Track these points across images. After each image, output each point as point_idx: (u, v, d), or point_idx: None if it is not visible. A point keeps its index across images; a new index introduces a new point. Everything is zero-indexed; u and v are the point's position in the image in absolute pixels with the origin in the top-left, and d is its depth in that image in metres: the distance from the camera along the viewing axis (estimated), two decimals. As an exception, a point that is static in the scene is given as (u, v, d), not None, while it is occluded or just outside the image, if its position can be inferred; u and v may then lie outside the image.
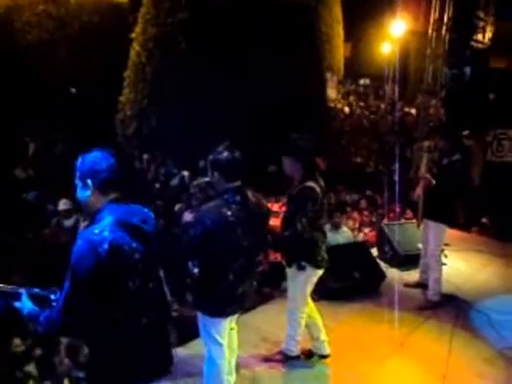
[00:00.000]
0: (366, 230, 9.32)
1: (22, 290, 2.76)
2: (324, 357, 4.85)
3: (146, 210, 2.86)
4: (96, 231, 2.52)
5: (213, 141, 3.76)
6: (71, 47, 12.71)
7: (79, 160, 2.75)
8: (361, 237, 8.87)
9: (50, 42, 12.89)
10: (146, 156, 11.17)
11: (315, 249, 4.43)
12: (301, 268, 4.43)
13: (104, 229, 2.53)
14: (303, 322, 4.69)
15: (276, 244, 4.51)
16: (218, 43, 10.10)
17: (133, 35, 11.64)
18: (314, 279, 4.55)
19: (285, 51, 10.91)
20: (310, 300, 4.81)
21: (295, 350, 4.85)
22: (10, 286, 2.79)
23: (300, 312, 4.64)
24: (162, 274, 2.85)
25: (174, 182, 10.58)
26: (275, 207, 4.45)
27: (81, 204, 2.78)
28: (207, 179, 3.87)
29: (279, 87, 10.62)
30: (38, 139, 11.69)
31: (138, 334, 2.66)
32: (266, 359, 4.90)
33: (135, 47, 11.52)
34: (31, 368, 4.75)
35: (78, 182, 2.73)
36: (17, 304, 2.72)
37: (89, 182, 2.68)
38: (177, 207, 8.40)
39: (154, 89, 11.09)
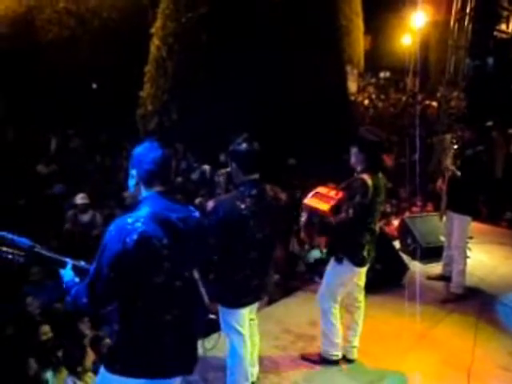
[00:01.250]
0: (388, 223, 9.26)
1: (69, 260, 2.77)
2: (349, 360, 4.77)
3: (191, 208, 2.81)
4: (129, 220, 2.50)
5: (234, 134, 3.76)
6: (92, 44, 12.80)
7: (134, 149, 2.77)
8: (383, 229, 8.82)
9: (70, 39, 13.00)
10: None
11: (357, 246, 4.32)
12: (338, 260, 4.37)
13: (138, 219, 2.51)
14: (335, 321, 4.57)
15: (322, 230, 4.45)
16: (239, 37, 10.10)
17: (152, 30, 11.67)
18: (352, 277, 4.45)
19: (305, 45, 10.88)
20: (361, 305, 4.74)
21: (335, 354, 4.70)
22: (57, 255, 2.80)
23: (327, 304, 4.55)
24: (196, 275, 2.80)
25: (195, 175, 10.62)
26: (332, 193, 4.37)
27: (129, 193, 2.82)
28: (207, 167, 3.91)
29: (300, 81, 10.61)
30: (59, 135, 11.82)
31: (159, 328, 2.63)
32: (304, 358, 4.83)
33: (155, 42, 11.55)
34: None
35: (130, 171, 2.75)
36: (61, 271, 2.74)
37: (134, 172, 2.70)
38: (197, 201, 8.43)
39: (175, 83, 11.12)
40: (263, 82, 10.23)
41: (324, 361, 4.71)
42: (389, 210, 9.89)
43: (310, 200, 4.48)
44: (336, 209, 4.24)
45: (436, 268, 6.95)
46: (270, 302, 5.95)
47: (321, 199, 4.39)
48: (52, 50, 12.99)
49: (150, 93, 11.72)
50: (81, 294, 2.55)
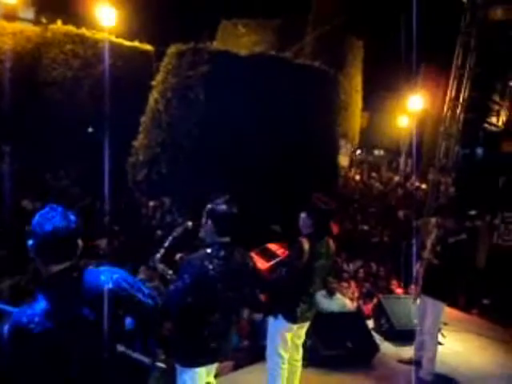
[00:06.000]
0: (364, 301, 9.17)
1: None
2: None
3: (103, 278, 2.46)
4: (24, 320, 2.24)
5: (220, 194, 3.78)
6: (92, 87, 13.02)
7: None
8: (357, 306, 8.73)
9: (73, 80, 13.23)
10: (152, 203, 11.20)
11: (291, 304, 4.49)
12: (274, 316, 4.54)
13: (33, 317, 2.24)
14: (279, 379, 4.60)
15: (262, 287, 4.62)
16: (237, 97, 10.25)
17: (153, 83, 11.88)
18: (286, 333, 4.56)
19: (300, 113, 11.06)
20: (298, 364, 4.79)
21: None
22: None
23: (272, 361, 4.62)
24: (121, 348, 2.55)
25: (178, 231, 10.52)
26: (280, 251, 4.60)
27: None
28: (190, 223, 3.98)
29: (292, 148, 10.70)
30: (46, 173, 11.83)
31: None
32: None
33: (154, 94, 11.74)
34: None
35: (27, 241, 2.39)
36: None
37: (30, 243, 2.35)
38: (178, 256, 8.33)
39: (168, 137, 11.23)
40: (256, 145, 10.33)
41: None
42: (367, 288, 9.85)
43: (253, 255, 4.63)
44: (275, 268, 4.51)
45: (407, 351, 6.81)
46: (237, 368, 5.82)
47: (264, 256, 4.65)
48: (55, 89, 13.24)
49: (142, 143, 11.81)
50: None
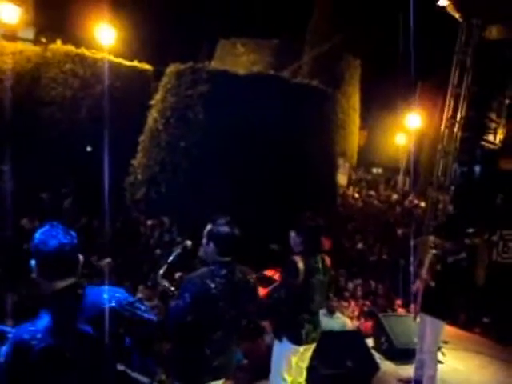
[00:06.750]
0: (365, 319, 9.13)
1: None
2: None
3: (106, 297, 2.49)
4: (26, 337, 2.26)
5: (220, 214, 3.79)
6: (91, 107, 13.08)
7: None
8: (357, 325, 8.69)
9: (72, 100, 13.29)
10: (150, 222, 11.20)
11: (295, 325, 4.47)
12: (278, 338, 4.53)
13: (35, 334, 2.26)
14: None
15: (259, 311, 4.61)
16: (236, 116, 10.31)
17: (152, 102, 11.94)
18: (291, 356, 4.52)
19: (299, 132, 11.12)
20: None
21: None
22: None
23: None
24: (121, 367, 2.58)
25: (177, 250, 10.49)
26: (277, 276, 4.64)
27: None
28: (189, 242, 3.98)
29: (291, 167, 10.75)
30: (45, 192, 11.83)
31: None
32: None
33: (153, 114, 11.81)
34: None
35: (30, 261, 2.42)
36: None
37: (32, 262, 2.39)
38: (177, 275, 8.31)
39: (168, 156, 11.27)
40: (255, 165, 10.37)
41: None
42: (367, 307, 9.82)
43: None
44: (273, 292, 4.59)
45: (407, 370, 6.79)
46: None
47: (262, 283, 4.67)
48: (53, 108, 13.31)
49: (141, 162, 11.86)
50: None
